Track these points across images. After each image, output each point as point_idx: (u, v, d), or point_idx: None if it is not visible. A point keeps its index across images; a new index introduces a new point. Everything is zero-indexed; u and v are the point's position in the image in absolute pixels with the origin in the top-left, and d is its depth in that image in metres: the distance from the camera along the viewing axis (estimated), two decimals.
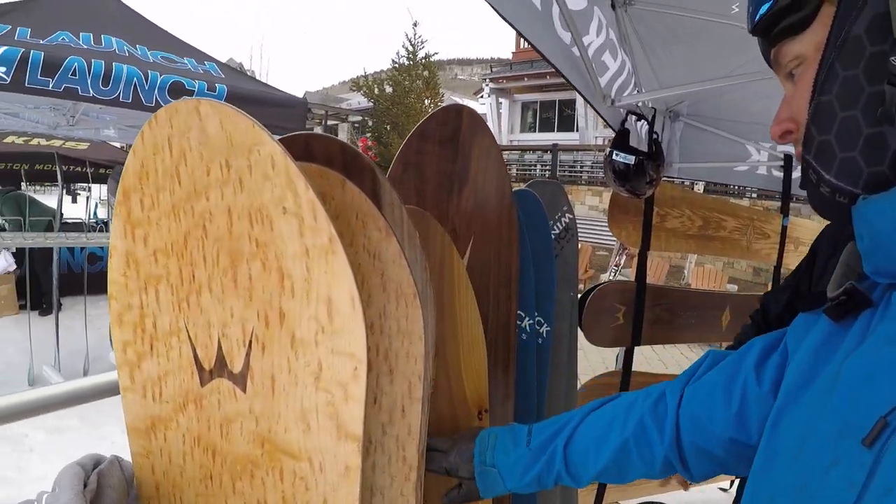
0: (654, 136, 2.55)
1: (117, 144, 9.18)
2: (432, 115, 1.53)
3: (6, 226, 7.25)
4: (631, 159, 2.42)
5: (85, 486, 0.81)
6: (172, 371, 0.85)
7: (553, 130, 24.49)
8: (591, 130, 21.17)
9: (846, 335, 0.65)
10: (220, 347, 0.79)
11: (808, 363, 0.68)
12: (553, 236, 2.06)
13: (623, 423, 1.01)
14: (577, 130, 22.53)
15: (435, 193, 1.52)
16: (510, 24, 1.52)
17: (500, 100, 25.18)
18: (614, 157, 2.45)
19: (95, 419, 4.36)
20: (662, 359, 7.73)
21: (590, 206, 15.78)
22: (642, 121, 2.65)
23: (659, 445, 0.96)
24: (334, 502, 0.79)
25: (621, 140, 2.49)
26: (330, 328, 0.71)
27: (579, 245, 3.04)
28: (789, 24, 0.67)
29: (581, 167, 18.67)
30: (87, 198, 8.44)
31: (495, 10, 1.45)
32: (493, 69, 27.16)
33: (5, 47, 3.27)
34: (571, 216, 2.26)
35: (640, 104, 2.59)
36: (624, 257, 10.63)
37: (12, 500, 3.52)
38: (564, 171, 18.50)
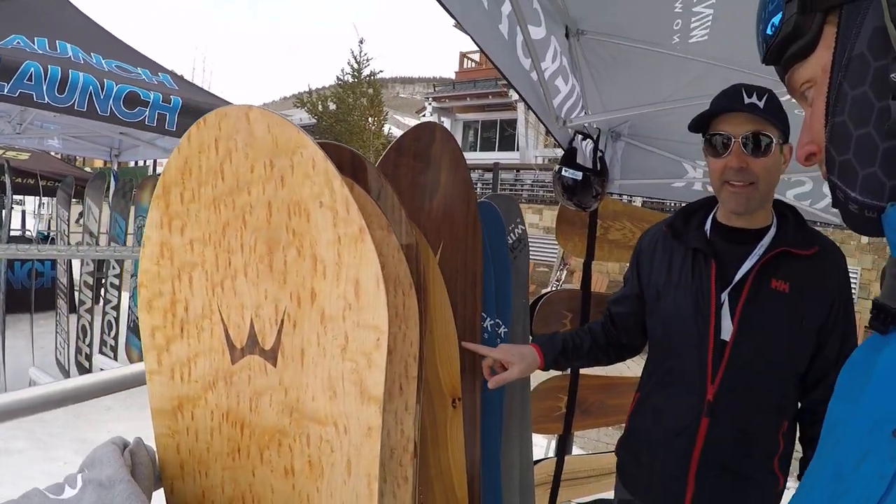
0: (600, 153, 2.75)
1: (57, 155, 8.98)
2: (407, 131, 1.67)
3: None
4: (578, 175, 2.62)
5: None
6: (203, 352, 0.96)
7: (494, 149, 24.98)
8: (532, 150, 21.68)
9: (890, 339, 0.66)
10: (252, 327, 0.91)
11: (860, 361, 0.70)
12: (507, 245, 2.22)
13: None
14: (518, 150, 22.99)
15: (409, 202, 1.64)
16: (483, 51, 1.68)
17: (443, 119, 25.56)
18: (563, 172, 2.65)
19: (46, 441, 4.21)
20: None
21: (530, 224, 16.16)
22: (588, 140, 2.84)
23: None
24: (357, 461, 0.90)
25: (569, 157, 2.69)
26: (357, 305, 0.84)
27: None
28: (795, 51, 0.68)
29: (521, 185, 19.08)
30: (23, 210, 8.15)
31: (472, 38, 1.61)
32: (436, 88, 27.49)
33: None
34: (524, 228, 2.44)
35: (586, 125, 2.78)
36: (564, 272, 10.94)
37: None
38: (505, 189, 18.91)
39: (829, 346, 1.57)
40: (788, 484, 1.67)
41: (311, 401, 0.90)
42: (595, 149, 2.86)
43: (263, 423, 0.94)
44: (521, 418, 2.34)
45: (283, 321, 0.89)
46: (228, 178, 0.88)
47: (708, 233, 1.68)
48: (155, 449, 1.03)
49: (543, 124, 2.49)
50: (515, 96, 20.05)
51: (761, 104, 1.50)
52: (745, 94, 1.52)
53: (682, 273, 1.67)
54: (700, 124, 1.60)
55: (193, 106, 4.02)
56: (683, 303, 1.64)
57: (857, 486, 0.57)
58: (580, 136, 2.87)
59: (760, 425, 1.61)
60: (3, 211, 5.91)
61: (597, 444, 5.60)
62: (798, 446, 1.69)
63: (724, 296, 1.59)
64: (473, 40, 1.65)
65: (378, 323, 0.83)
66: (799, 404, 1.67)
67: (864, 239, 12.38)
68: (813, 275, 1.56)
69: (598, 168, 2.77)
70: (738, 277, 1.58)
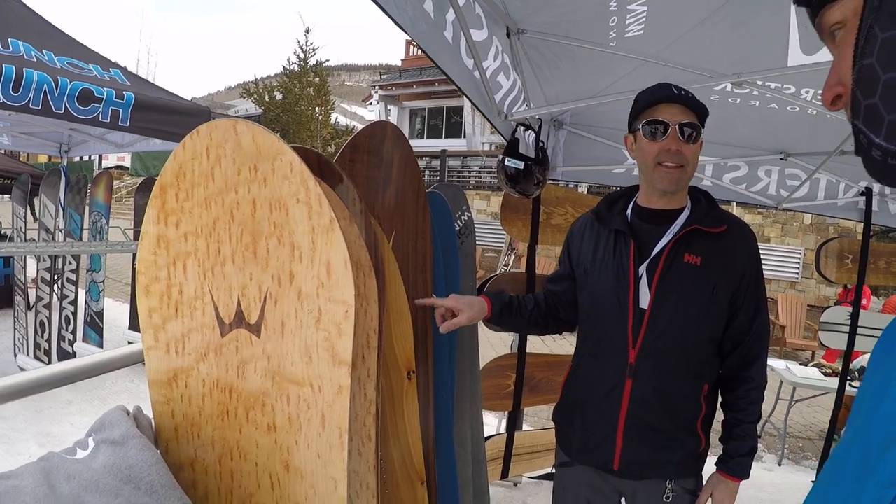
0: (541, 144, 2.96)
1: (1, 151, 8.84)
2: (362, 129, 1.85)
3: None
4: (521, 164, 2.83)
5: None
6: (195, 328, 1.13)
7: (441, 137, 25.11)
8: (479, 136, 21.89)
9: None
10: (239, 305, 1.08)
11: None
12: (456, 232, 2.41)
13: None
14: (465, 136, 23.20)
15: (365, 194, 1.81)
16: (430, 57, 1.86)
17: (389, 107, 25.53)
18: (506, 162, 2.85)
19: (10, 436, 4.21)
20: (547, 343, 8.29)
21: (478, 210, 16.41)
22: (530, 131, 3.04)
23: None
24: (330, 416, 1.08)
25: (512, 148, 2.89)
26: (328, 283, 1.02)
27: None
28: None
29: (469, 172, 19.28)
30: None
31: (419, 46, 1.78)
32: (382, 76, 27.40)
33: None
34: (470, 215, 2.64)
35: (528, 117, 2.99)
36: (512, 257, 11.21)
37: None
38: (453, 176, 19.09)
39: (742, 315, 1.82)
40: (711, 446, 1.89)
41: (291, 366, 1.08)
42: (537, 139, 3.07)
43: (249, 387, 1.12)
44: (471, 394, 2.55)
45: (265, 299, 1.06)
46: (218, 180, 1.04)
47: (629, 216, 1.91)
48: (151, 416, 1.19)
49: (487, 120, 2.68)
50: None
51: (688, 98, 1.73)
52: (673, 89, 1.75)
53: (605, 252, 1.91)
54: (636, 112, 1.81)
55: (146, 102, 4.05)
56: (607, 278, 1.88)
57: (879, 469, 0.60)
58: (522, 128, 3.06)
59: (681, 387, 1.83)
60: None
61: (546, 422, 5.88)
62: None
63: (643, 269, 1.83)
64: (421, 48, 1.83)
65: (346, 298, 1.02)
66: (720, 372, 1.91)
67: (807, 219, 12.98)
68: (722, 249, 1.80)
69: (540, 157, 2.98)
70: (654, 252, 1.82)
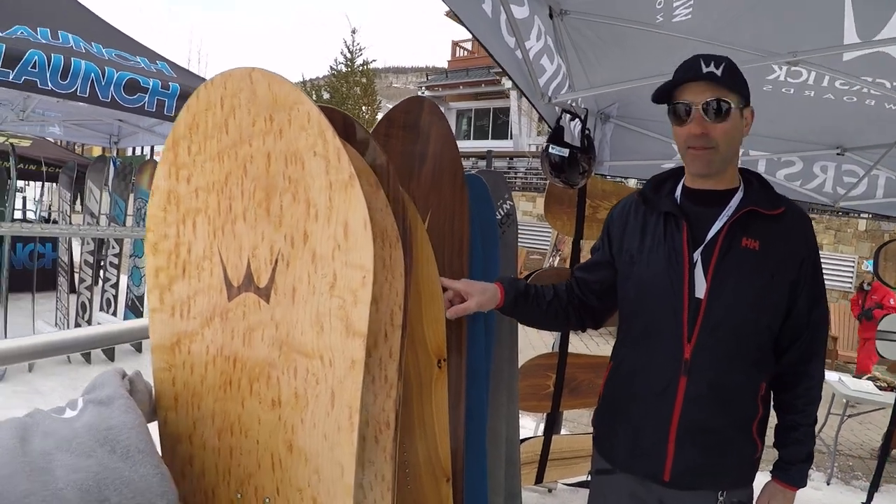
0: (587, 131, 2.85)
1: (57, 142, 9.13)
2: (398, 104, 1.77)
3: None
4: (565, 152, 2.73)
5: None
6: (202, 290, 1.07)
7: (487, 138, 25.03)
8: (525, 137, 21.75)
9: None
10: (248, 266, 1.02)
11: None
12: (496, 219, 2.31)
13: None
14: (511, 138, 23.06)
15: (399, 170, 1.74)
16: (467, 28, 1.78)
17: None
18: (551, 150, 2.75)
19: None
20: (587, 345, 8.13)
21: (524, 212, 16.25)
22: (576, 120, 2.94)
23: None
24: (341, 393, 1.00)
25: (556, 135, 2.80)
26: (345, 245, 0.94)
27: None
28: None
29: (515, 173, 19.16)
30: (24, 197, 8.37)
31: (456, 15, 1.70)
32: (429, 77, 27.48)
33: None
34: (512, 203, 2.53)
35: (573, 103, 2.88)
36: (557, 259, 11.06)
37: None
38: None
39: (801, 305, 1.68)
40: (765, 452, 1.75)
41: (300, 335, 1.01)
42: (583, 126, 2.96)
43: (254, 357, 1.05)
44: (508, 391, 2.44)
45: (277, 261, 0.99)
46: (232, 132, 0.98)
47: (678, 198, 1.78)
48: (152, 384, 1.13)
49: (529, 101, 2.59)
50: (508, 84, 20.13)
51: (719, 72, 1.61)
52: (703, 64, 1.62)
53: (654, 237, 1.76)
54: (663, 96, 1.69)
55: (192, 92, 4.16)
56: (658, 265, 1.73)
57: None
58: (568, 116, 2.96)
59: (738, 385, 1.69)
60: (8, 194, 6.09)
61: (587, 427, 5.68)
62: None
63: (697, 255, 1.68)
64: (458, 19, 1.75)
65: (364, 262, 0.94)
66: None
67: (861, 226, 12.49)
68: (781, 233, 1.67)
69: (585, 146, 2.87)
70: (709, 237, 1.68)
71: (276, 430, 1.05)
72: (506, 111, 23.76)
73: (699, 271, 1.67)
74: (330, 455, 1.01)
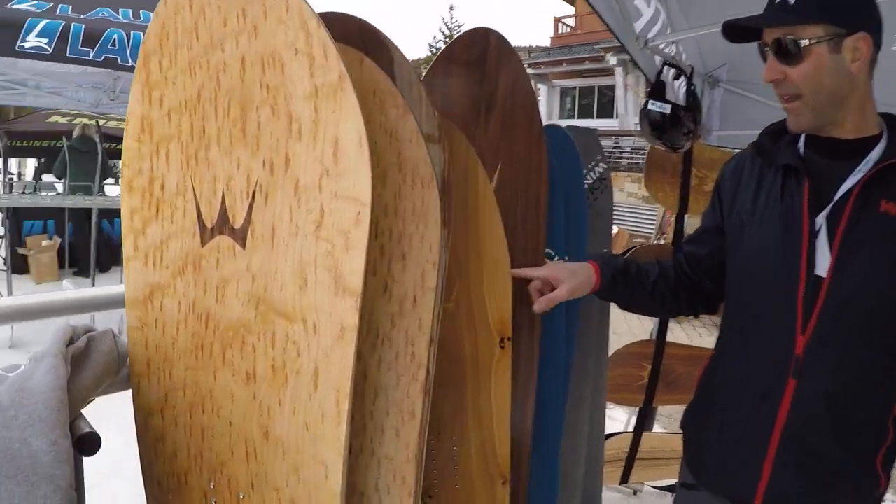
0: (692, 87, 2.51)
1: None
2: (458, 37, 1.52)
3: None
4: (667, 108, 2.41)
5: (72, 341, 0.84)
6: (175, 233, 0.90)
7: (592, 116, 24.34)
8: (631, 116, 20.93)
9: None
10: (223, 202, 0.84)
11: None
12: (587, 185, 2.02)
13: None
14: (617, 116, 22.32)
15: (461, 116, 1.50)
16: None
17: (539, 86, 25.12)
18: (650, 106, 2.44)
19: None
20: (689, 335, 7.59)
21: (629, 193, 15.64)
22: (680, 78, 2.62)
23: None
24: (326, 370, 0.79)
25: (657, 90, 2.49)
26: (335, 170, 0.73)
27: (616, 230, 2.99)
28: None
29: (621, 153, 18.48)
30: (117, 174, 8.80)
31: None
32: (531, 55, 27.03)
33: (47, 20, 3.49)
34: (605, 167, 2.20)
35: (674, 55, 2.56)
36: (662, 242, 10.57)
37: None
38: None
39: None
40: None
41: (279, 290, 0.81)
42: (688, 82, 2.62)
43: (228, 316, 0.86)
44: (595, 381, 2.13)
45: (254, 194, 0.80)
46: (203, 37, 0.81)
47: (801, 149, 1.42)
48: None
49: (622, 45, 2.28)
50: (613, 60, 19.42)
51: (793, 0, 1.25)
52: None
53: (769, 196, 1.40)
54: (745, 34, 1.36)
55: None
56: (770, 231, 1.37)
57: None
58: (672, 73, 2.64)
59: (863, 396, 1.31)
60: (98, 170, 6.45)
61: None
62: None
63: (821, 220, 1.30)
64: None
65: (359, 194, 0.72)
66: None
67: None
68: None
69: (690, 102, 2.54)
70: (837, 197, 1.30)
71: (250, 410, 0.85)
72: (611, 88, 23.03)
73: (822, 241, 1.30)
74: (312, 450, 0.79)
